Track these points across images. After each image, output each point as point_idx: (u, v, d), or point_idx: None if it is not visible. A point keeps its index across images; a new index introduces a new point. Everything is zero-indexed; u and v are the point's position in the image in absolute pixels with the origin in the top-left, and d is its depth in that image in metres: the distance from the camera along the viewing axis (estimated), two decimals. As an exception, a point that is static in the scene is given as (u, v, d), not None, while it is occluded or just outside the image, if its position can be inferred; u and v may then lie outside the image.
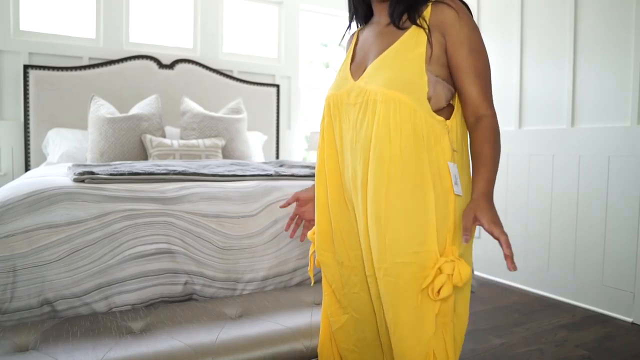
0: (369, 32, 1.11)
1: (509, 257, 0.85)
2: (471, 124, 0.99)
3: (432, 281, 0.91)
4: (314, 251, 1.18)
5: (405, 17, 1.00)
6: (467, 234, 0.89)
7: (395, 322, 0.95)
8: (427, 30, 0.95)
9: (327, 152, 1.08)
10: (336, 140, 1.07)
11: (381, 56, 0.98)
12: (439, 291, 0.91)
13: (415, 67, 0.94)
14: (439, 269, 0.91)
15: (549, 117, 2.91)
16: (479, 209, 0.90)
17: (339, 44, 1.27)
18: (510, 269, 0.83)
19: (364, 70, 1.02)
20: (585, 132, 2.70)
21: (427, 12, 0.98)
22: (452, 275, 0.91)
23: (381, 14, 1.08)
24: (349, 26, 1.18)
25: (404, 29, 0.99)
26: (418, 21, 0.96)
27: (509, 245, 0.85)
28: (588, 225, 2.67)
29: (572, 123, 2.78)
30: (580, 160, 2.72)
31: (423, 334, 0.94)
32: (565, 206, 2.80)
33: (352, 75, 1.05)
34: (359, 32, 1.16)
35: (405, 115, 0.93)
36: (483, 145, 0.96)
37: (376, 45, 1.03)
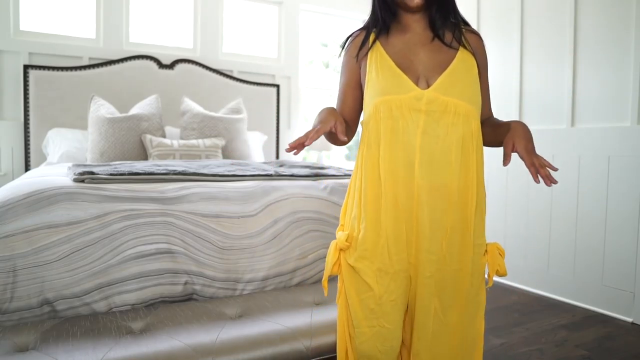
0: (400, 39, 1.13)
1: (547, 176, 1.00)
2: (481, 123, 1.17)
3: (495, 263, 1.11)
4: (338, 258, 1.14)
5: (450, 35, 1.12)
6: (507, 159, 1.05)
7: (462, 306, 1.08)
8: (475, 57, 1.12)
9: (385, 155, 1.06)
10: (396, 144, 1.05)
11: (450, 70, 1.08)
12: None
13: (477, 86, 1.11)
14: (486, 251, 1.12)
15: (549, 117, 2.91)
16: (516, 136, 1.05)
17: (344, 48, 1.27)
18: (548, 184, 1.00)
19: (419, 79, 1.07)
20: (585, 132, 2.70)
21: (464, 38, 1.14)
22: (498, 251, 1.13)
23: (413, 24, 1.14)
24: (368, 34, 1.16)
25: (451, 46, 1.11)
26: (468, 47, 1.12)
27: (542, 166, 1.00)
28: (588, 225, 2.67)
29: (572, 123, 2.78)
30: (580, 160, 2.72)
31: (480, 313, 1.11)
32: (565, 206, 2.80)
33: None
34: (377, 37, 1.14)
35: (476, 127, 1.08)
36: (499, 120, 1.18)
37: (428, 58, 1.10)
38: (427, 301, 1.07)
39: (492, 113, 1.24)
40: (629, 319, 2.45)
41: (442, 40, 1.11)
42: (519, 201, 3.07)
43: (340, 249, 1.13)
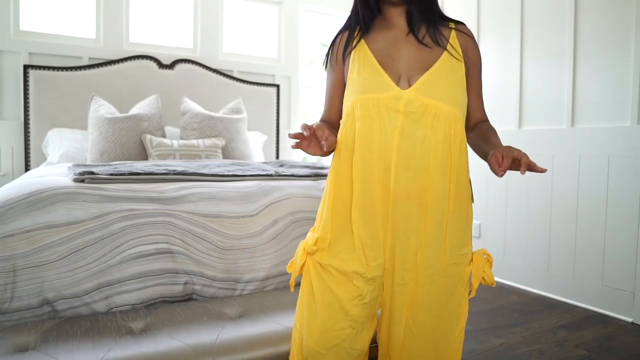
0: (384, 36, 1.09)
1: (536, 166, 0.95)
2: (471, 127, 1.15)
3: (479, 273, 1.07)
4: (305, 261, 1.09)
5: (424, 31, 1.08)
6: (502, 169, 0.96)
7: (438, 320, 1.05)
8: (462, 59, 1.08)
9: (359, 156, 1.02)
10: (372, 145, 1.01)
11: (432, 70, 1.03)
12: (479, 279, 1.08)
13: (462, 88, 1.07)
14: (473, 261, 1.08)
15: (549, 117, 2.91)
16: (501, 149, 0.99)
17: (329, 53, 1.24)
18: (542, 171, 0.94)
19: (400, 78, 1.03)
20: (585, 132, 2.70)
21: (454, 38, 1.09)
22: (487, 263, 1.09)
23: (397, 18, 1.09)
24: (352, 32, 1.12)
25: (439, 44, 1.07)
26: (452, 51, 1.06)
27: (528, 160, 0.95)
28: (588, 226, 2.68)
29: (572, 123, 2.78)
30: (580, 160, 2.72)
31: (460, 326, 1.07)
32: (565, 206, 2.80)
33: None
34: (361, 34, 1.11)
35: (458, 131, 1.03)
36: (493, 131, 1.12)
37: (411, 56, 1.05)
38: (397, 310, 1.04)
39: (485, 117, 1.17)
40: (629, 319, 2.45)
41: (416, 37, 1.06)
42: (519, 201, 3.07)
43: (308, 253, 1.08)
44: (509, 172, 3.10)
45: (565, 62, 2.81)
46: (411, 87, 1.01)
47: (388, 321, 1.08)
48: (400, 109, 1.00)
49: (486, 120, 1.17)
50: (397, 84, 1.02)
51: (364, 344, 1.09)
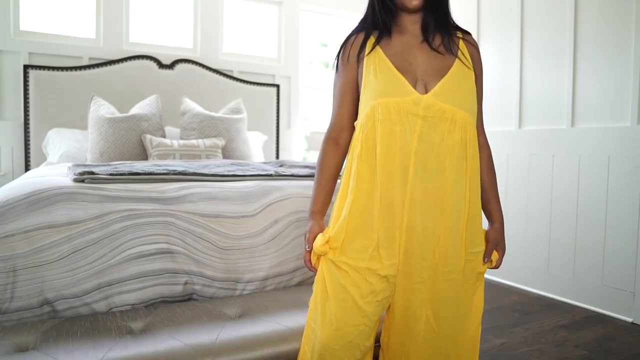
0: (398, 41, 1.11)
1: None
2: None
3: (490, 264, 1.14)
4: (318, 257, 1.12)
5: (439, 40, 1.11)
6: (488, 257, 1.12)
7: (455, 315, 1.09)
8: (472, 65, 1.12)
9: (382, 158, 1.05)
10: (393, 148, 1.04)
11: (448, 77, 1.07)
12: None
13: (473, 94, 1.11)
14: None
15: (549, 117, 2.91)
16: (501, 241, 1.16)
17: (341, 53, 1.24)
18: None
19: (416, 82, 1.06)
20: (585, 132, 2.70)
21: (463, 46, 1.13)
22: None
23: (411, 25, 1.12)
24: (367, 35, 1.13)
25: (451, 52, 1.11)
26: (463, 59, 1.11)
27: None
28: (588, 225, 2.67)
29: (572, 123, 2.78)
30: (580, 160, 2.72)
31: (476, 320, 1.12)
32: (565, 206, 2.80)
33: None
34: (377, 40, 1.12)
35: (472, 135, 1.08)
36: (490, 175, 1.18)
37: (426, 62, 1.08)
38: (418, 308, 1.07)
39: (482, 130, 1.19)
40: (629, 319, 2.45)
41: (430, 45, 1.09)
42: (519, 201, 3.07)
43: (318, 255, 1.11)
44: (509, 172, 3.10)
45: (565, 62, 2.81)
46: (429, 93, 1.05)
47: (404, 321, 1.10)
48: (419, 113, 1.03)
49: (485, 144, 1.19)
50: (414, 88, 1.05)
51: (372, 341, 1.11)
